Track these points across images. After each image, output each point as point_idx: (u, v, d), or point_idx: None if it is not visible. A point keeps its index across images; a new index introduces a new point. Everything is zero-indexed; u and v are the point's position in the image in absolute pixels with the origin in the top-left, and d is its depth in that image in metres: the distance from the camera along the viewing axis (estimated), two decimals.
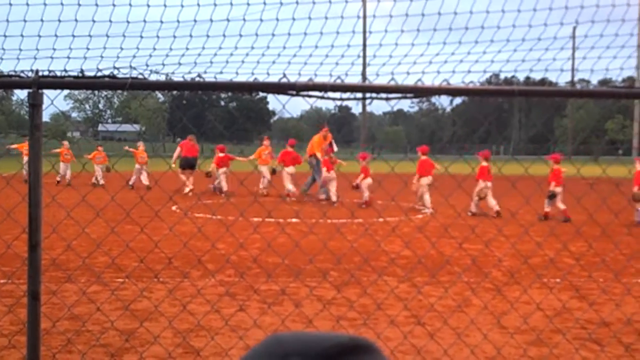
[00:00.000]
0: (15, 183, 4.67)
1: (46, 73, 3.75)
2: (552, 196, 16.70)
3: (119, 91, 4.07)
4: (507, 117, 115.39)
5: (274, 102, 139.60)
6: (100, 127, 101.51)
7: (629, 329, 6.68)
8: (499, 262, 9.93)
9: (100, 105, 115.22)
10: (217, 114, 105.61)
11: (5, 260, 9.42)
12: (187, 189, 22.68)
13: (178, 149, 23.89)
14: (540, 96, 4.34)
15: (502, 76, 78.22)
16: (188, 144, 23.86)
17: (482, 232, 13.18)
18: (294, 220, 14.80)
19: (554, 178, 16.80)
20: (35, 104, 3.72)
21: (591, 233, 13.36)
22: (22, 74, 3.74)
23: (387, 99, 3.94)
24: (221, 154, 23.15)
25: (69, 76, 3.76)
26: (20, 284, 7.75)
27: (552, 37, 4.06)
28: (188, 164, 23.45)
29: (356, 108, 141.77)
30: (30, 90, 3.71)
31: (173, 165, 22.83)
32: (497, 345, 5.98)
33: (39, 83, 3.71)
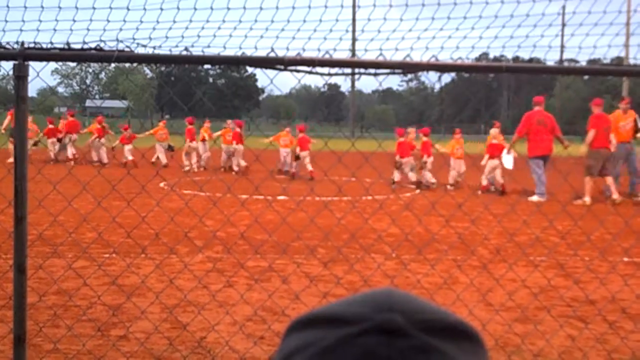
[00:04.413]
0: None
1: (32, 45, 3.72)
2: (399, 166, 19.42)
3: (107, 66, 4.05)
4: (495, 96, 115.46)
5: (263, 79, 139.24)
6: (88, 103, 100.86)
7: (613, 306, 6.73)
8: (485, 240, 9.98)
9: (88, 81, 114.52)
10: (205, 91, 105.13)
11: None
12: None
13: (8, 117, 24.37)
14: (528, 73, 4.35)
15: (491, 55, 78.15)
16: None
17: (469, 210, 13.24)
18: (281, 197, 14.80)
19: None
20: (20, 75, 3.69)
21: (577, 211, 13.43)
22: (7, 46, 3.70)
23: (375, 74, 3.93)
24: (50, 126, 25.26)
25: (55, 48, 3.72)
26: (7, 258, 7.73)
27: (540, 13, 4.05)
28: None
29: (345, 85, 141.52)
30: (16, 62, 3.68)
31: (3, 131, 24.40)
32: (483, 321, 6.03)
33: (24, 55, 3.68)
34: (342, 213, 12.34)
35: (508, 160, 16.90)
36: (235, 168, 22.64)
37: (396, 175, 19.35)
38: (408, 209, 12.16)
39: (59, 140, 25.03)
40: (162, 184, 17.54)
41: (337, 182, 18.65)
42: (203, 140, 24.33)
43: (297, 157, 21.68)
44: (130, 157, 24.05)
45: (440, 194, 16.46)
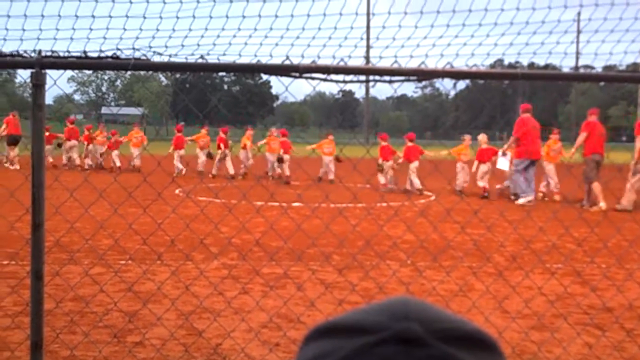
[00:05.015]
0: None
1: (49, 54, 3.75)
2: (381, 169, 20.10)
3: (122, 74, 4.08)
4: (510, 102, 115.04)
5: (277, 86, 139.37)
6: (104, 110, 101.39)
7: (630, 314, 6.69)
8: (501, 247, 9.94)
9: (104, 88, 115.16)
10: (220, 98, 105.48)
11: (9, 242, 9.47)
12: (15, 165, 24.72)
13: (4, 125, 25.43)
14: (543, 80, 4.33)
15: (506, 61, 78.05)
16: (12, 121, 25.43)
17: (485, 217, 13.19)
18: (296, 204, 14.81)
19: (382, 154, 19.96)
20: (38, 84, 3.72)
21: (593, 218, 13.36)
22: (25, 54, 3.73)
23: (390, 81, 3.93)
24: (47, 133, 26.01)
25: (72, 57, 3.75)
26: (24, 265, 7.78)
27: (555, 20, 4.04)
28: (14, 141, 25.39)
29: (359, 92, 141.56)
30: (33, 70, 3.71)
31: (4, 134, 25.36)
32: (499, 328, 6.00)
33: (41, 63, 3.71)
34: (357, 220, 12.34)
35: (503, 162, 17.73)
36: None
37: (381, 179, 19.86)
38: (423, 215, 12.14)
39: (59, 145, 26.27)
40: (177, 191, 17.61)
41: (352, 188, 18.64)
42: (244, 147, 24.32)
43: (280, 160, 22.49)
44: (118, 164, 25.22)
45: (456, 200, 16.41)
